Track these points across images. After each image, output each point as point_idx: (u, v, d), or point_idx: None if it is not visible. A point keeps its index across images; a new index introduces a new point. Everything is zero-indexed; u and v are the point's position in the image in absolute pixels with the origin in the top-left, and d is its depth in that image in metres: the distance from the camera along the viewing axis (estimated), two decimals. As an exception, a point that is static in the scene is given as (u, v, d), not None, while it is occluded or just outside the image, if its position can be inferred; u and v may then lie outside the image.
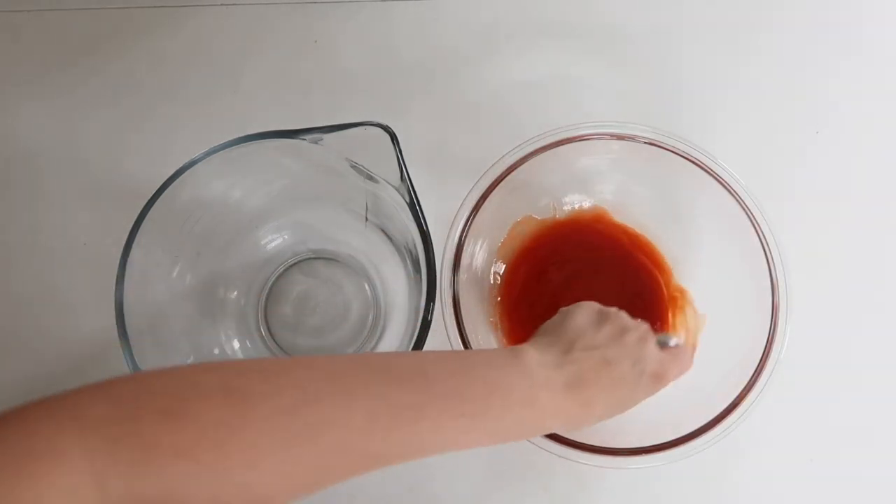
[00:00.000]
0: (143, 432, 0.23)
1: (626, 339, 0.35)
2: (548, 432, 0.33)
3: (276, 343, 0.51)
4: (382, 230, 0.47)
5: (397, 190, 0.40)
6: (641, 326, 0.37)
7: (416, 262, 0.41)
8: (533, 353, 0.32)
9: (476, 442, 0.30)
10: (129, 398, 0.24)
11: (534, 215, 0.50)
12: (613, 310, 0.37)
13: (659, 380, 0.36)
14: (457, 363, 0.31)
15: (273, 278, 0.52)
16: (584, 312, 0.36)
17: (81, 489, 0.22)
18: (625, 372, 0.34)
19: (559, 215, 0.51)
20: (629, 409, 0.35)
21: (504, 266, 0.50)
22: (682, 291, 0.49)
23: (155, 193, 0.39)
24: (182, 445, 0.23)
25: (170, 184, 0.39)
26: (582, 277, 0.49)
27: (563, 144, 0.46)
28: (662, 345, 0.38)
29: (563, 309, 0.37)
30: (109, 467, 0.22)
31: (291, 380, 0.27)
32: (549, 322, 0.37)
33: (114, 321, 0.37)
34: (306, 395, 0.26)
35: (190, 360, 0.42)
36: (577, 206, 0.51)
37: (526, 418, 0.31)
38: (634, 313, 0.49)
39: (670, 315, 0.49)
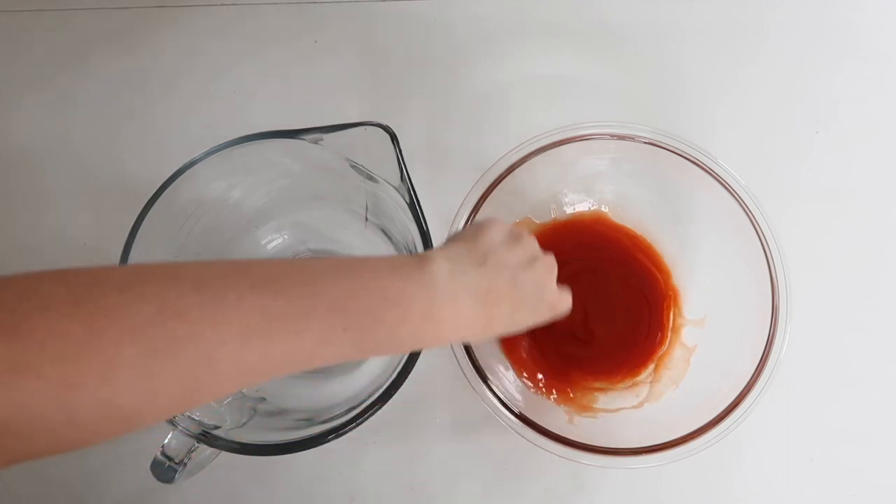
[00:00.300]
0: None
1: (535, 265, 0.35)
2: (444, 344, 0.32)
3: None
4: (382, 230, 0.47)
5: (397, 190, 0.40)
6: (549, 257, 0.37)
7: (416, 262, 0.41)
8: (444, 264, 0.31)
9: (367, 353, 0.29)
10: None
11: (532, 218, 0.51)
12: (525, 232, 0.37)
13: (553, 310, 0.36)
14: (350, 273, 0.29)
15: (273, 278, 0.52)
16: (497, 229, 0.35)
17: None
18: (528, 296, 0.34)
19: (559, 216, 0.51)
20: (521, 329, 0.34)
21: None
22: (675, 291, 0.49)
23: (155, 193, 0.39)
24: (21, 360, 0.21)
25: (170, 184, 0.39)
26: (581, 278, 0.49)
27: (563, 144, 0.46)
28: None
29: (475, 222, 0.37)
30: None
31: (153, 290, 0.24)
32: (460, 232, 0.36)
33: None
34: (169, 307, 0.24)
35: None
36: (576, 207, 0.51)
37: (422, 331, 0.30)
38: (633, 314, 0.50)
39: (669, 316, 0.49)
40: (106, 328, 0.23)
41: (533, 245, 0.36)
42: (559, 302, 0.37)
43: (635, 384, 0.48)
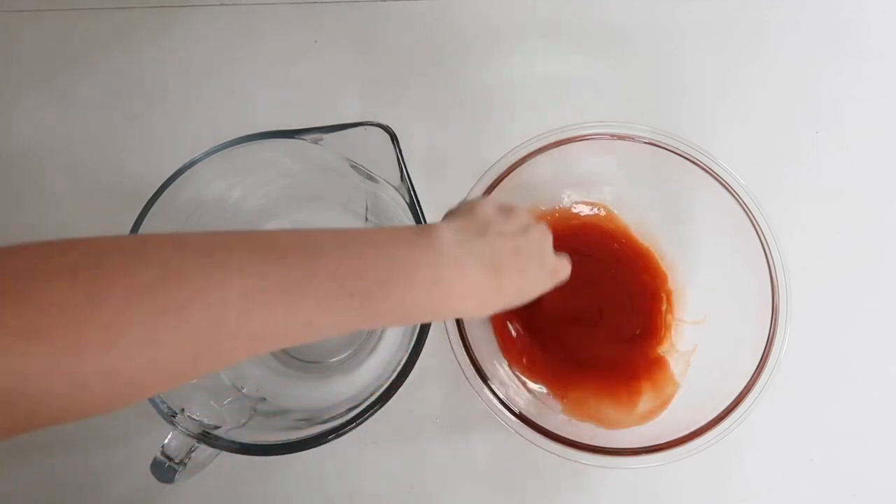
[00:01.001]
0: None
1: (530, 234, 0.35)
2: (454, 316, 0.32)
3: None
4: (382, 230, 0.47)
5: (397, 190, 0.40)
6: (542, 224, 0.37)
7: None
8: (447, 233, 0.31)
9: (375, 322, 0.29)
10: None
11: (539, 205, 0.51)
12: (514, 204, 0.37)
13: (555, 276, 0.37)
14: (354, 240, 0.29)
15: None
16: (489, 203, 0.35)
17: None
18: (530, 263, 0.34)
19: (559, 215, 0.51)
20: (530, 297, 0.34)
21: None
22: (669, 294, 0.50)
23: (155, 193, 0.39)
24: (26, 327, 0.21)
25: (170, 184, 0.39)
26: (580, 277, 0.49)
27: (563, 144, 0.46)
28: None
29: (465, 201, 0.37)
30: None
31: (155, 256, 0.24)
32: (454, 210, 0.35)
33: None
34: (171, 271, 0.24)
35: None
36: (576, 207, 0.51)
37: (431, 298, 0.29)
38: (630, 313, 0.50)
39: (665, 317, 0.49)
40: (108, 292, 0.23)
41: (525, 214, 0.36)
42: (560, 267, 0.37)
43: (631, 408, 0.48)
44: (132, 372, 0.23)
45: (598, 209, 0.51)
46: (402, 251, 0.29)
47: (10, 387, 0.21)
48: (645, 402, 0.47)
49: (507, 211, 0.35)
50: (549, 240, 0.36)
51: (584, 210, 0.51)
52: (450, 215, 0.35)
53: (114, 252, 0.24)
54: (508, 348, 0.48)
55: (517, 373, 0.48)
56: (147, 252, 0.24)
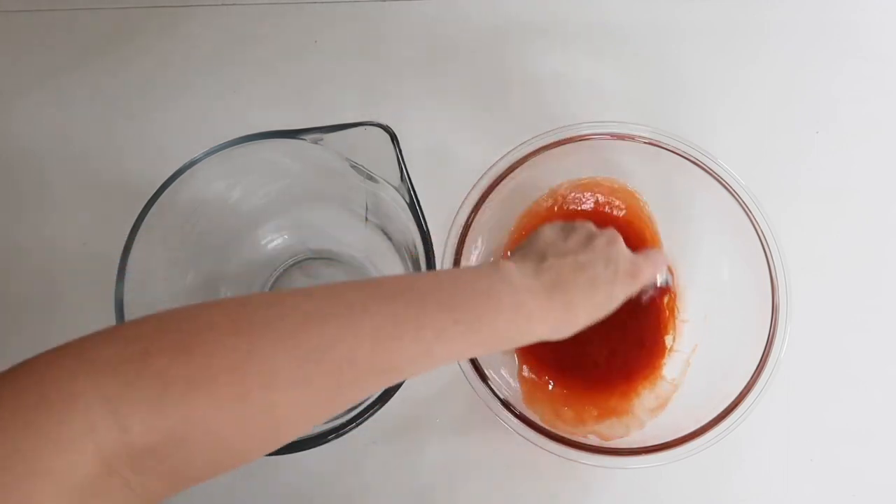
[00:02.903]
0: (156, 367, 0.23)
1: (595, 243, 0.36)
2: (540, 339, 0.33)
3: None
4: (382, 230, 0.47)
5: (397, 190, 0.40)
6: (608, 231, 0.38)
7: (416, 262, 0.41)
8: (511, 265, 0.34)
9: (477, 348, 0.32)
10: (138, 338, 0.24)
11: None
12: (578, 221, 0.39)
13: (634, 277, 0.37)
14: (443, 278, 0.32)
15: (273, 278, 0.52)
16: (550, 228, 0.37)
17: (98, 428, 0.21)
18: (599, 273, 0.35)
19: (558, 211, 0.51)
20: (611, 309, 0.36)
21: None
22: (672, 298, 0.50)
23: (155, 193, 0.39)
24: (196, 375, 0.23)
25: (170, 184, 0.39)
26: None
27: (562, 144, 0.46)
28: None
29: (532, 234, 0.39)
30: (126, 405, 0.22)
31: (293, 305, 0.27)
32: (519, 245, 0.38)
33: (114, 321, 0.37)
34: (311, 317, 0.27)
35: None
36: (576, 207, 0.51)
37: (516, 322, 0.32)
38: (630, 310, 0.50)
39: (669, 314, 0.49)
40: (261, 338, 0.25)
41: (586, 226, 0.38)
42: (639, 267, 0.37)
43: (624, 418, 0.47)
44: (287, 409, 0.25)
45: (598, 209, 0.51)
46: (484, 284, 0.32)
47: (177, 435, 0.23)
48: (642, 410, 0.47)
49: (568, 229, 0.37)
50: (617, 244, 0.37)
51: (583, 208, 0.51)
52: (517, 249, 0.37)
53: (258, 305, 0.27)
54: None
55: (521, 371, 0.48)
56: (285, 302, 0.27)
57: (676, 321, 0.49)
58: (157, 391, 0.22)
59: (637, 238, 0.50)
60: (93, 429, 0.21)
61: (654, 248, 0.39)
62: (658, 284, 0.46)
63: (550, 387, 0.47)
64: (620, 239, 0.38)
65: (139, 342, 0.24)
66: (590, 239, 0.36)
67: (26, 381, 0.22)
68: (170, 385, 0.23)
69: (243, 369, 0.24)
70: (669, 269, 0.49)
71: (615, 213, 0.51)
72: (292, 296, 0.28)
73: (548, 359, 0.48)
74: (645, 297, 0.47)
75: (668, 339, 0.49)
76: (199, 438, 0.23)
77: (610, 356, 0.49)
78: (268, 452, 0.27)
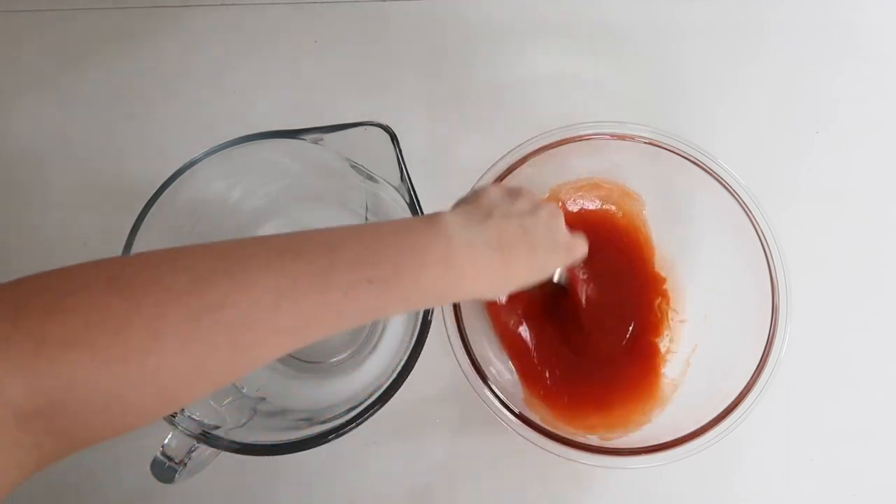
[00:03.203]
0: (29, 328, 0.22)
1: (539, 211, 0.36)
2: (469, 297, 0.33)
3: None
4: (382, 230, 0.47)
5: (397, 190, 0.40)
6: (552, 204, 0.38)
7: (416, 262, 0.41)
8: (452, 217, 0.32)
9: (397, 305, 0.30)
10: (9, 300, 0.23)
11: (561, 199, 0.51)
12: (522, 186, 0.38)
13: (570, 252, 0.37)
14: (365, 231, 0.31)
15: (273, 278, 0.52)
16: (496, 189, 0.37)
17: None
18: (540, 239, 0.35)
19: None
20: (543, 277, 0.35)
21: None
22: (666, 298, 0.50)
23: (155, 193, 0.39)
24: (72, 335, 0.22)
25: (170, 184, 0.39)
26: (580, 275, 0.49)
27: (563, 144, 0.46)
28: None
29: (473, 189, 0.38)
30: (1, 367, 0.21)
31: (181, 264, 0.26)
32: (462, 198, 0.37)
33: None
34: (200, 276, 0.25)
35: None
36: (576, 207, 0.51)
37: (444, 279, 0.31)
38: (630, 311, 0.50)
39: (661, 316, 0.49)
40: (143, 298, 0.24)
41: (532, 195, 0.37)
42: (574, 244, 0.38)
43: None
44: (174, 374, 0.24)
45: (598, 209, 0.51)
46: (412, 237, 0.30)
47: (59, 397, 0.22)
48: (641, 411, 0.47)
49: (514, 194, 0.36)
50: (559, 218, 0.37)
51: (582, 207, 0.51)
52: (458, 203, 0.36)
53: (143, 265, 0.25)
54: (510, 347, 0.48)
55: (518, 371, 0.48)
56: (174, 262, 0.26)
57: (672, 322, 0.49)
58: (32, 350, 0.22)
59: (628, 240, 0.50)
60: None
61: (580, 232, 0.39)
62: (555, 279, 0.44)
63: (548, 381, 0.48)
64: (562, 214, 0.38)
65: (10, 305, 0.23)
66: (535, 207, 0.36)
67: None
68: (43, 344, 0.22)
69: (122, 330, 0.23)
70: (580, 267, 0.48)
71: (613, 214, 0.51)
72: (184, 255, 0.26)
73: (548, 359, 0.48)
74: (559, 280, 0.45)
75: (665, 340, 0.49)
76: (85, 400, 0.22)
77: (608, 356, 0.49)
78: (170, 412, 0.25)
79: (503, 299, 0.48)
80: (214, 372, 0.26)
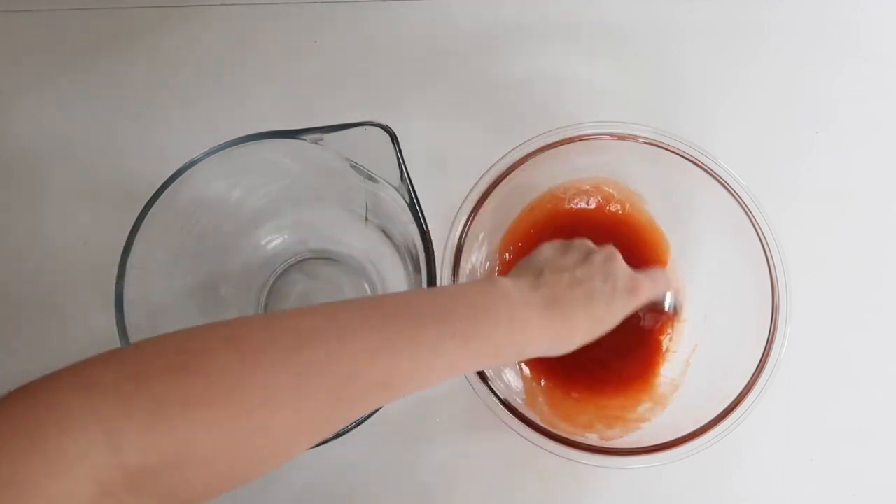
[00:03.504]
0: (151, 388, 0.23)
1: (592, 258, 0.37)
2: (539, 354, 0.34)
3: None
4: (382, 230, 0.47)
5: (397, 190, 0.40)
6: (607, 247, 0.38)
7: (416, 262, 0.41)
8: (507, 281, 0.34)
9: (477, 362, 0.32)
10: (135, 361, 0.24)
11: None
12: (577, 239, 0.39)
13: (633, 293, 0.37)
14: (439, 293, 0.33)
15: (273, 278, 0.52)
16: (549, 246, 0.38)
17: (93, 451, 0.21)
18: (597, 287, 0.35)
19: (555, 208, 0.51)
20: (611, 324, 0.36)
21: (500, 266, 0.50)
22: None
23: (155, 193, 0.39)
24: (191, 396, 0.23)
25: (170, 184, 0.39)
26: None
27: (563, 144, 0.46)
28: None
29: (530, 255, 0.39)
30: (121, 426, 0.22)
31: (290, 325, 0.27)
32: (517, 263, 0.38)
33: (114, 321, 0.37)
34: (306, 335, 0.27)
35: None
36: (575, 205, 0.51)
37: (514, 336, 0.32)
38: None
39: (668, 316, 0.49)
40: (259, 359, 0.25)
41: (585, 243, 0.38)
42: (639, 283, 0.38)
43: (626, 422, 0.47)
44: (283, 429, 0.25)
45: (598, 209, 0.51)
46: (479, 298, 0.32)
47: (172, 456, 0.23)
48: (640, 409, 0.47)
49: (565, 246, 0.38)
50: (615, 261, 0.37)
51: (585, 208, 0.51)
52: (514, 268, 0.38)
53: (253, 324, 0.27)
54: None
55: (521, 371, 0.48)
56: (283, 321, 0.28)
57: (674, 322, 0.49)
58: (151, 412, 0.22)
59: (638, 239, 0.50)
60: (88, 452, 0.21)
61: (658, 268, 0.40)
62: (666, 308, 0.46)
63: (538, 386, 0.47)
64: (619, 255, 0.38)
65: (135, 364, 0.24)
66: (588, 255, 0.37)
67: (22, 406, 0.22)
68: (165, 406, 0.23)
69: (239, 389, 0.24)
70: (678, 292, 0.48)
71: (615, 211, 0.51)
72: (289, 316, 0.28)
73: (548, 360, 0.48)
74: (649, 320, 0.47)
75: (665, 340, 0.49)
76: (194, 460, 0.23)
77: (608, 356, 0.49)
78: (266, 472, 0.26)
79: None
80: (316, 427, 0.27)
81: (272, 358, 0.25)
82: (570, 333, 0.34)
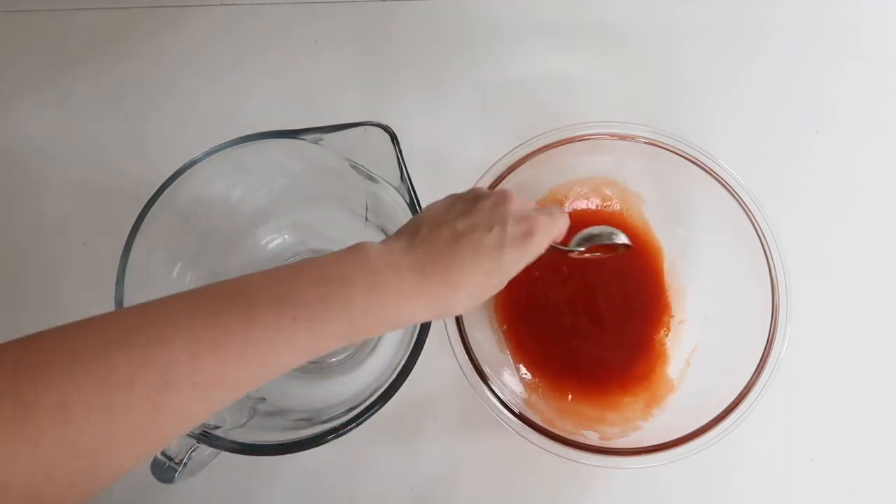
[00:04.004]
0: None
1: (478, 206, 0.32)
2: (414, 321, 0.30)
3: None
4: (382, 230, 0.47)
5: (397, 190, 0.40)
6: (498, 191, 0.34)
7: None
8: (372, 245, 0.30)
9: (329, 342, 0.28)
10: None
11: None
12: (472, 189, 0.35)
13: (529, 237, 0.32)
14: (283, 271, 0.29)
15: (273, 278, 0.52)
16: (440, 200, 0.34)
17: None
18: (481, 240, 0.31)
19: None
20: (506, 276, 0.32)
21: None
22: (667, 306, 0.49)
23: (155, 193, 0.39)
24: None
25: (170, 184, 0.39)
26: (580, 274, 0.49)
27: (563, 144, 0.46)
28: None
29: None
30: None
31: (93, 328, 0.24)
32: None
33: (114, 321, 0.36)
34: (114, 339, 0.24)
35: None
36: (576, 207, 0.51)
37: (374, 307, 0.28)
38: (630, 311, 0.50)
39: (667, 316, 0.49)
40: (51, 372, 0.22)
41: (473, 191, 0.34)
42: (534, 225, 0.33)
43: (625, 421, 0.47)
44: (93, 441, 0.22)
45: (598, 209, 0.51)
46: (330, 270, 0.29)
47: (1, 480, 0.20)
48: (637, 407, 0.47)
49: (457, 198, 0.34)
50: (506, 205, 0.33)
51: (585, 208, 0.51)
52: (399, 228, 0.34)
53: (49, 337, 0.24)
54: (511, 345, 0.48)
55: (519, 371, 0.48)
56: (85, 328, 0.24)
57: (673, 321, 0.49)
58: None
59: (633, 244, 0.50)
60: None
61: (555, 206, 0.35)
62: (616, 242, 0.41)
63: (537, 386, 0.48)
64: (511, 196, 0.34)
65: None
66: (472, 206, 0.32)
67: None
68: None
69: (32, 410, 0.21)
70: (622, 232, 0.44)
71: (613, 213, 0.51)
72: (97, 320, 0.25)
73: (548, 360, 0.48)
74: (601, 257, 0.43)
75: (665, 340, 0.49)
76: (23, 481, 0.21)
77: (607, 356, 0.49)
78: (99, 488, 0.24)
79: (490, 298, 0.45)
80: (135, 437, 0.24)
81: (67, 371, 0.22)
82: (451, 296, 0.30)
